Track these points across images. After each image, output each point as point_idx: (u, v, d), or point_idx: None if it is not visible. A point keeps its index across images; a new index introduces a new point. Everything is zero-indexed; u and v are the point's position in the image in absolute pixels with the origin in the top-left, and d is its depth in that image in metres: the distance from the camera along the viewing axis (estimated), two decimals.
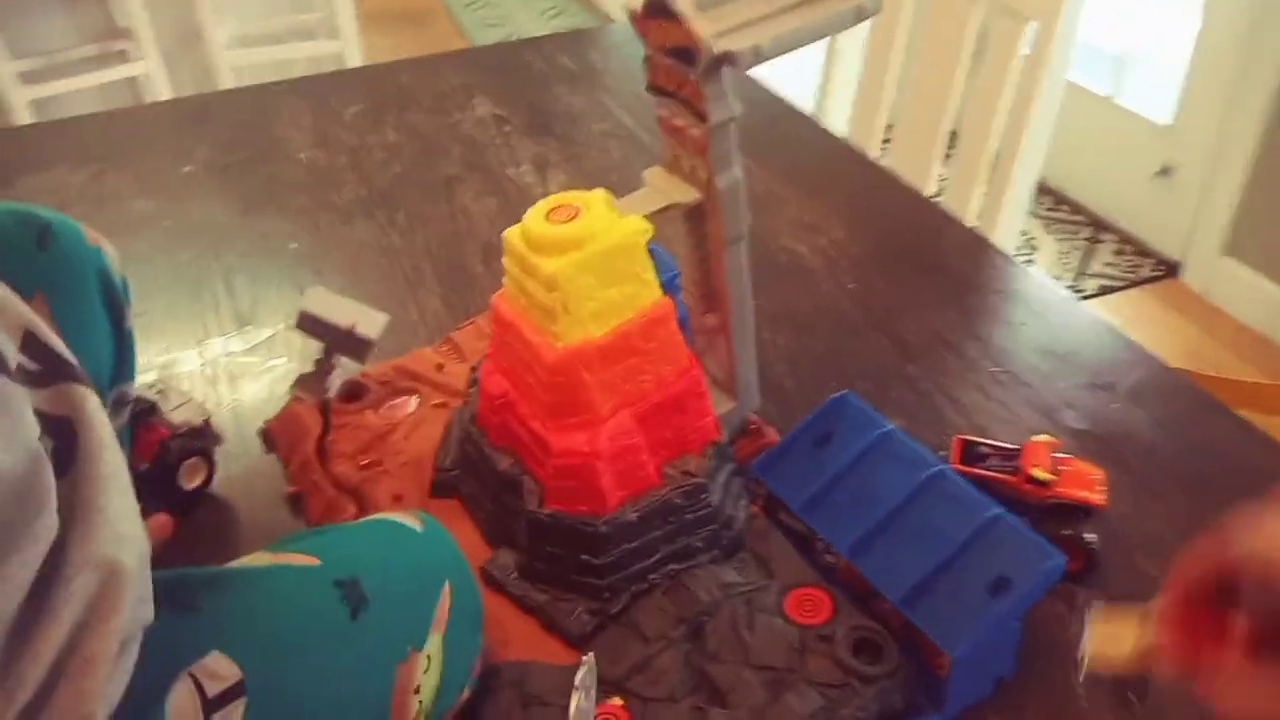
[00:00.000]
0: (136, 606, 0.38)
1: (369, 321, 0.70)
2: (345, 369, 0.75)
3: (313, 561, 0.46)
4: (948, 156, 1.45)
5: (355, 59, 2.84)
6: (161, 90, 2.69)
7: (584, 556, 0.58)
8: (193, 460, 0.71)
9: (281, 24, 2.99)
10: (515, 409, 0.60)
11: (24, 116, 2.49)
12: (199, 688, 0.39)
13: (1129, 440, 0.76)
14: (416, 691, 0.45)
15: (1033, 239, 2.55)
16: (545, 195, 0.58)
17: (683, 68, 0.56)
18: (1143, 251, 2.48)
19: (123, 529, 0.38)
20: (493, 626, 0.59)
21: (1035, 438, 0.68)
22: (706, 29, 0.54)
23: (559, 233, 0.55)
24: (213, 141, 1.24)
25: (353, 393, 0.77)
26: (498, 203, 1.10)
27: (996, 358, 0.86)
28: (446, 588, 0.49)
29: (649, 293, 0.58)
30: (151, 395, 0.72)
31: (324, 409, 0.76)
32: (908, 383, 0.83)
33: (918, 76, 1.42)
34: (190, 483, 0.71)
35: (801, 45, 0.57)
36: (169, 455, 0.69)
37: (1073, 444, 0.76)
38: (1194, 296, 2.35)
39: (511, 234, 0.58)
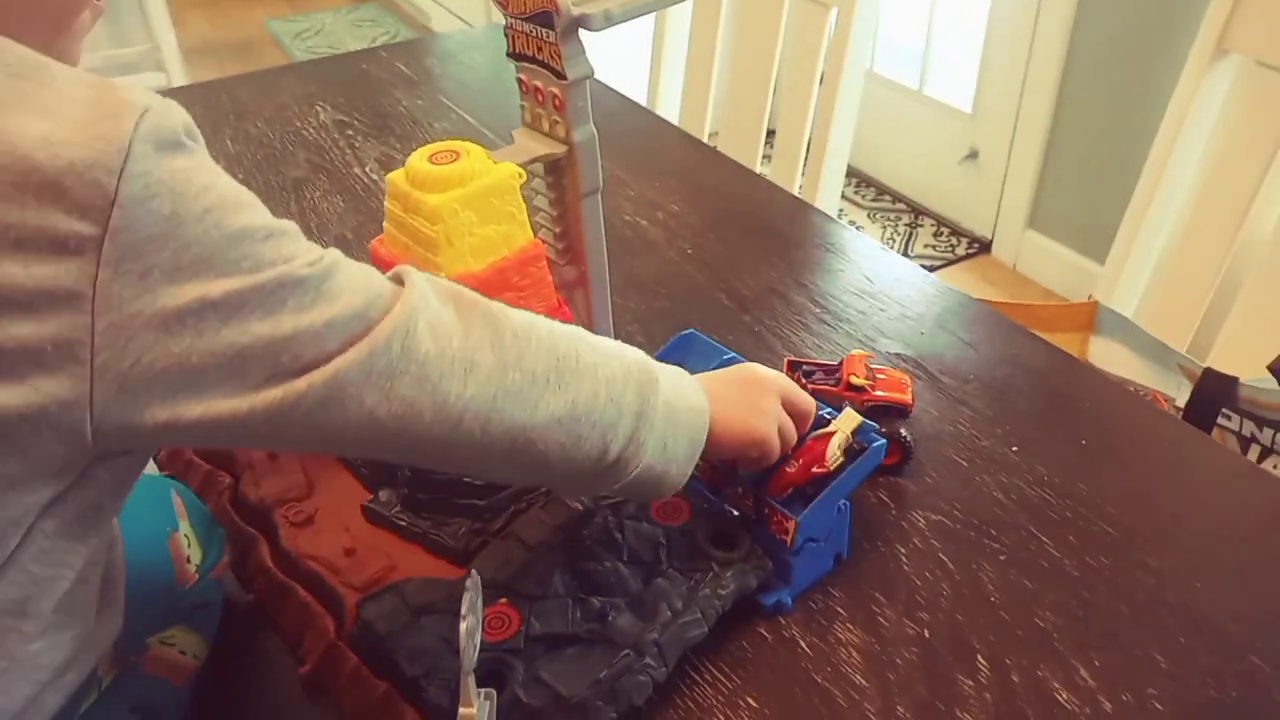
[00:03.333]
0: None
1: None
2: None
3: None
4: (767, 157, 1.55)
5: None
6: None
7: (465, 480, 0.63)
8: None
9: (100, 59, 2.90)
10: None
11: None
12: None
13: (937, 359, 0.87)
14: (189, 560, 0.62)
15: (860, 227, 2.72)
16: None
17: (541, 31, 0.63)
18: (957, 231, 2.69)
19: None
20: (377, 556, 0.63)
21: (853, 352, 0.77)
22: None
23: (442, 172, 0.61)
24: None
25: None
26: (346, 200, 1.14)
27: (820, 300, 0.95)
28: (175, 495, 0.65)
29: (522, 233, 0.64)
30: None
31: None
32: (744, 328, 0.92)
33: (736, 76, 1.52)
34: None
35: (645, 13, 0.65)
36: None
37: (889, 365, 0.86)
38: (1005, 268, 2.56)
39: (395, 176, 0.63)
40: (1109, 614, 0.64)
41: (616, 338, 0.81)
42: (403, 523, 0.65)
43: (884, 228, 2.73)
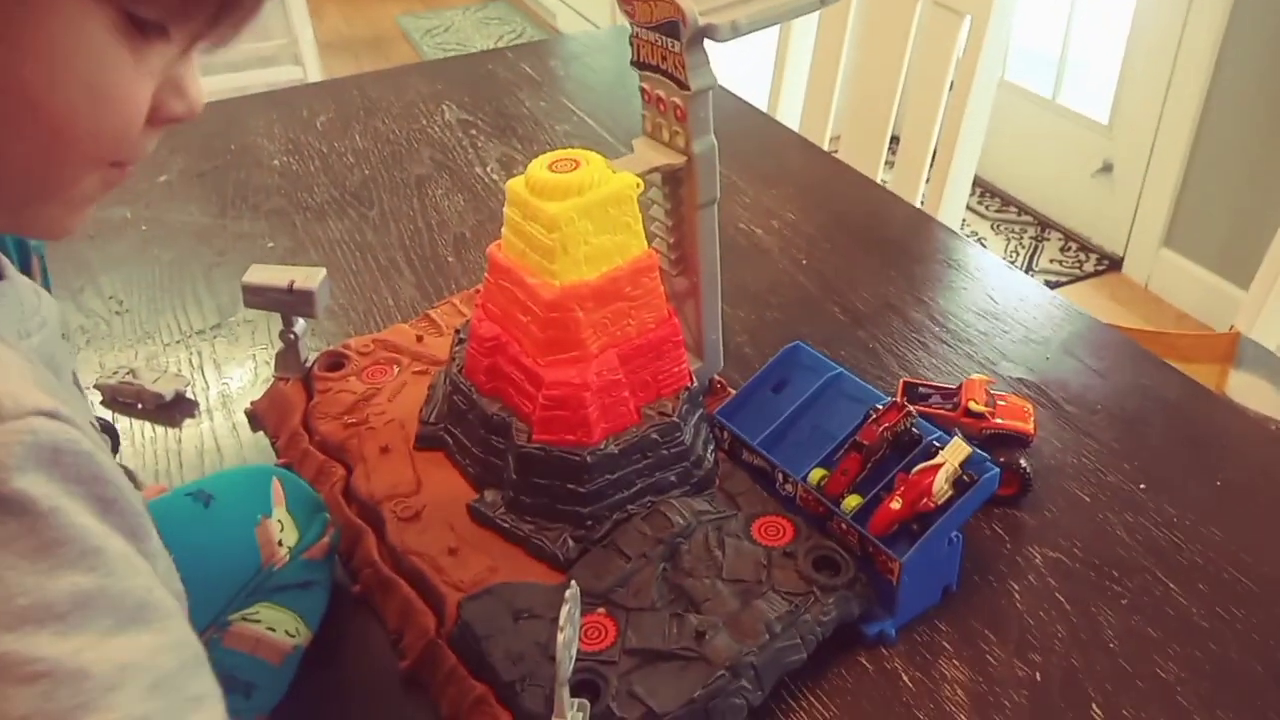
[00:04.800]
0: None
1: (307, 276, 0.75)
2: (305, 332, 0.78)
3: (165, 491, 0.65)
4: (890, 163, 1.52)
5: None
6: None
7: (569, 486, 0.63)
8: None
9: (241, 52, 3.03)
10: (506, 350, 0.65)
11: None
12: None
13: (1062, 385, 0.83)
14: (280, 544, 0.62)
15: (982, 239, 2.64)
16: None
17: (667, 41, 0.62)
18: (1086, 247, 2.58)
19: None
20: (480, 556, 0.64)
21: (973, 376, 0.74)
22: (691, 5, 0.60)
23: (561, 180, 0.61)
24: (185, 152, 1.29)
25: (334, 363, 0.81)
26: (467, 199, 1.16)
27: (939, 319, 0.92)
28: (275, 482, 0.64)
29: (637, 243, 0.64)
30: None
31: (306, 381, 0.81)
32: (858, 344, 0.89)
33: (861, 82, 1.49)
34: None
35: (772, 23, 0.64)
36: None
37: (1010, 391, 0.82)
38: (1137, 288, 2.45)
39: (515, 183, 0.63)
40: (1241, 671, 0.60)
41: (725, 348, 0.81)
42: (506, 525, 0.65)
43: (1008, 240, 2.64)
